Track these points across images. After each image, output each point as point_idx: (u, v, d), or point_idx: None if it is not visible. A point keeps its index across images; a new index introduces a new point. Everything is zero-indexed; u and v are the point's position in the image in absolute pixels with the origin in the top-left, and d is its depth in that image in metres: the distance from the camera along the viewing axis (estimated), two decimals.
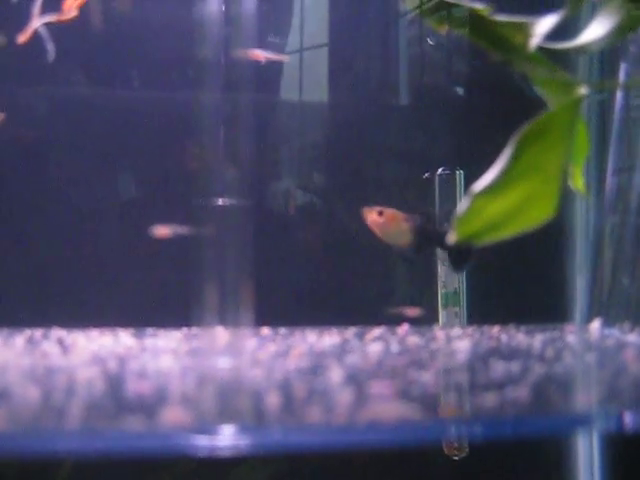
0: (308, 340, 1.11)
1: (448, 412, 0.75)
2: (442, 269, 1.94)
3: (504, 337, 1.11)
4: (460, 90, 1.92)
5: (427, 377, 0.84)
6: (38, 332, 1.19)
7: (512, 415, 0.70)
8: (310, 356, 0.96)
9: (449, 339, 1.09)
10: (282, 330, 1.22)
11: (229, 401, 0.75)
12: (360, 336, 1.13)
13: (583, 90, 1.00)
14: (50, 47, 1.10)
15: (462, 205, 0.96)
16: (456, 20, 1.18)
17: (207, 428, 0.65)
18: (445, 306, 1.90)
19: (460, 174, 1.93)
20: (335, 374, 0.84)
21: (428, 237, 1.57)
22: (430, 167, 1.92)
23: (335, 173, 1.82)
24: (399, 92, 1.87)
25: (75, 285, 1.33)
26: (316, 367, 0.89)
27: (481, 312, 1.83)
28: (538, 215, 0.98)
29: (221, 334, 1.17)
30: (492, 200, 0.95)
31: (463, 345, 1.03)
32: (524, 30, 1.06)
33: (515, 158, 0.95)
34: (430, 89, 1.88)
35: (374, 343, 1.06)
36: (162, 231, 1.36)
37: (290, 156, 1.72)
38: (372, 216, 1.56)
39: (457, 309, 1.90)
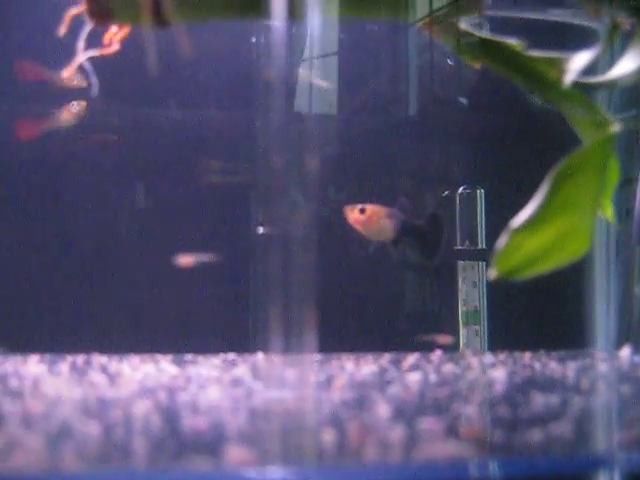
0: (346, 368, 1.14)
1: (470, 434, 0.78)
2: (463, 287, 1.96)
3: (537, 365, 1.14)
4: (464, 101, 1.95)
5: (471, 411, 0.87)
6: (79, 358, 1.22)
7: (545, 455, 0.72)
8: (353, 387, 0.99)
9: (484, 367, 1.12)
10: (317, 356, 1.25)
11: (286, 438, 0.78)
12: (396, 364, 1.16)
13: (616, 127, 1.03)
14: (94, 81, 1.13)
15: (501, 241, 0.98)
16: (440, 17, 1.20)
17: (273, 468, 0.67)
18: (466, 324, 1.92)
19: (481, 193, 1.96)
20: (382, 408, 0.87)
21: (408, 231, 1.61)
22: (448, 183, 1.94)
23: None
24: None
25: (113, 310, 1.36)
26: (362, 400, 0.91)
27: (501, 330, 1.85)
28: (575, 249, 1.00)
29: (259, 361, 1.20)
30: (530, 236, 0.97)
31: (499, 375, 1.05)
32: (558, 65, 1.08)
33: (552, 194, 0.98)
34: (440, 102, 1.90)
35: (412, 372, 1.08)
36: (186, 260, 1.39)
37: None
38: (354, 214, 1.55)
39: (477, 327, 1.92)
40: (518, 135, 1.96)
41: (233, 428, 0.80)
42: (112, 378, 1.05)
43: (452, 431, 0.78)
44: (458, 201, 1.88)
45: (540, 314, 1.93)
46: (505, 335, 1.83)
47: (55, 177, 1.46)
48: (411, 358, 1.21)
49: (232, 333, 1.36)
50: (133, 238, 1.41)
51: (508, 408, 0.87)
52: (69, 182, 1.47)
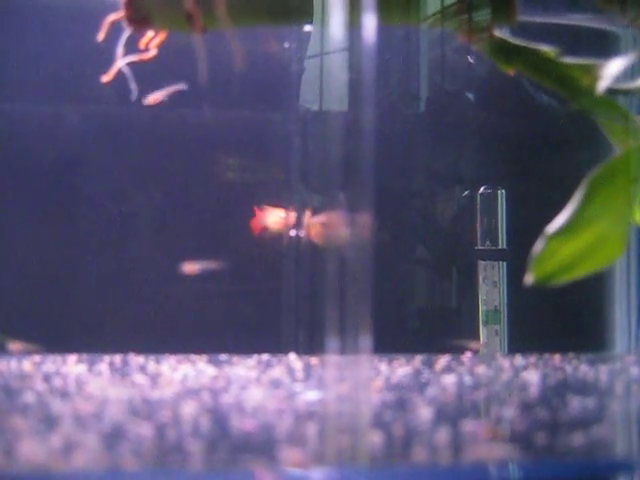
0: (380, 370, 1.16)
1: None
2: (483, 287, 1.98)
3: (568, 368, 1.16)
4: (471, 96, 1.96)
5: (511, 413, 0.89)
6: (116, 358, 1.24)
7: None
8: (390, 389, 1.01)
9: (516, 370, 1.14)
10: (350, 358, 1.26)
11: (335, 440, 0.80)
12: (429, 365, 1.18)
13: None
14: (133, 87, 1.15)
15: (537, 247, 1.00)
16: (477, 25, 1.22)
17: (330, 469, 0.69)
18: (486, 323, 1.94)
19: (502, 193, 1.98)
20: (424, 410, 0.89)
21: None
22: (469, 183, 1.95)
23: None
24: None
25: (147, 311, 1.38)
26: (402, 402, 0.93)
27: (521, 330, 1.87)
28: (609, 255, 1.02)
29: (293, 362, 1.22)
30: (565, 242, 0.99)
31: (533, 377, 1.07)
32: (592, 72, 1.10)
33: (586, 201, 1.00)
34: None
35: (446, 374, 1.10)
36: (191, 267, 1.40)
37: None
38: (316, 229, 1.47)
39: (497, 327, 1.94)
40: (539, 135, 1.97)
41: (281, 429, 0.82)
42: (153, 379, 1.07)
43: (495, 433, 0.80)
44: (479, 201, 1.89)
45: (560, 314, 1.95)
46: (525, 335, 1.84)
47: (83, 177, 1.48)
48: (442, 360, 1.23)
49: (264, 334, 1.38)
50: (165, 237, 1.43)
51: (547, 411, 0.89)
52: (97, 183, 1.49)
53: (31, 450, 0.74)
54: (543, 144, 1.99)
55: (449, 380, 1.06)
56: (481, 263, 1.90)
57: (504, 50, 1.09)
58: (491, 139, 1.98)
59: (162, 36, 1.20)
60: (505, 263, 1.88)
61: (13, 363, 1.19)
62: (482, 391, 1.00)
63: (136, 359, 1.22)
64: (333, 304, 0.80)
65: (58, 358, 1.22)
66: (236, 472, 0.71)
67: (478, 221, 1.91)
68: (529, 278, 0.99)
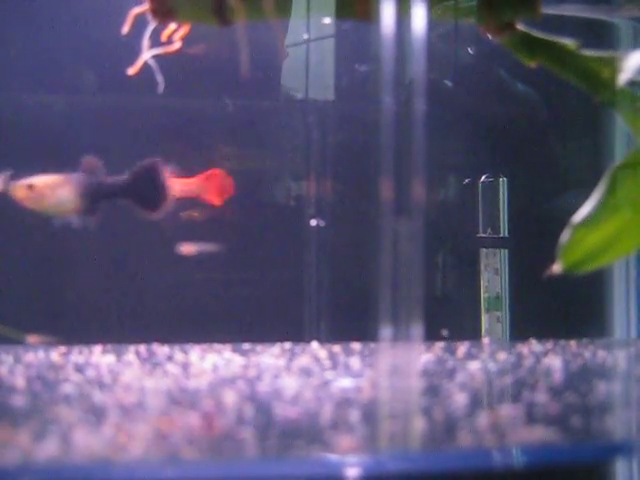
0: (402, 356, 1.18)
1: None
2: (485, 274, 2.01)
3: (587, 353, 1.19)
4: (449, 82, 1.98)
5: (543, 398, 0.91)
6: (141, 348, 1.25)
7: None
8: (420, 375, 1.03)
9: (537, 355, 1.17)
10: (352, 346, 1.29)
11: (379, 426, 0.82)
12: (451, 352, 1.20)
13: None
14: (160, 79, 1.15)
15: (564, 236, 1.03)
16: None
17: (384, 454, 0.71)
18: (487, 310, 1.97)
19: (504, 181, 2.00)
20: (459, 396, 0.91)
21: (104, 194, 1.36)
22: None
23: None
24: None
25: (169, 300, 1.39)
26: (435, 388, 0.96)
27: (523, 317, 1.90)
28: (633, 243, 1.05)
29: (318, 350, 1.24)
30: (591, 231, 1.02)
31: (555, 363, 1.10)
32: (613, 65, 1.12)
33: (610, 191, 1.02)
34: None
35: (470, 361, 1.13)
36: (188, 249, 1.41)
37: None
38: (21, 192, 1.32)
39: (499, 314, 1.97)
40: (540, 123, 2.00)
41: (325, 416, 0.84)
42: (184, 368, 1.09)
43: (532, 417, 0.83)
44: (480, 189, 1.92)
45: (560, 301, 1.98)
46: (526, 322, 1.88)
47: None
48: (462, 347, 1.26)
49: (285, 323, 1.40)
50: (185, 226, 1.44)
51: (576, 395, 0.92)
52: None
53: (87, 441, 0.76)
54: (544, 132, 2.02)
55: (474, 366, 1.09)
56: (483, 251, 1.92)
57: (526, 43, 1.11)
58: (491, 127, 2.00)
59: (186, 29, 1.21)
60: (507, 251, 1.91)
61: (40, 354, 1.20)
62: (509, 377, 1.03)
63: (161, 349, 1.24)
64: (385, 293, 0.82)
65: (84, 349, 1.23)
66: (292, 459, 0.73)
67: (480, 209, 1.93)
68: (557, 267, 1.01)
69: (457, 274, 2.06)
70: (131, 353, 1.20)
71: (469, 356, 1.17)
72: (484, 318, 1.92)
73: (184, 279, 1.43)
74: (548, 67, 1.14)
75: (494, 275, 1.94)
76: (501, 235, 1.92)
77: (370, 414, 0.84)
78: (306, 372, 1.06)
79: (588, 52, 1.13)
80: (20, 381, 1.00)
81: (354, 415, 0.84)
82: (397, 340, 0.83)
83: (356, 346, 1.26)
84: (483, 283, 1.93)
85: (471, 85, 1.92)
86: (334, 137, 1.45)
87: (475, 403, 0.87)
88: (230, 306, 1.41)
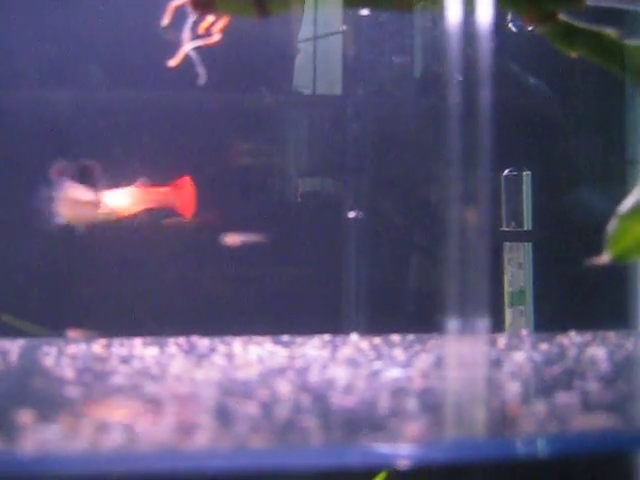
0: (447, 347, 1.18)
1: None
2: (508, 268, 2.01)
3: (629, 344, 1.19)
4: (459, 77, 1.97)
5: (596, 387, 0.92)
6: (180, 340, 1.25)
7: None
8: (467, 366, 1.03)
9: (579, 346, 1.17)
10: (392, 338, 1.29)
11: (438, 414, 0.82)
12: (491, 343, 1.21)
13: None
14: (201, 71, 1.15)
15: (611, 226, 1.03)
16: (543, 9, 1.22)
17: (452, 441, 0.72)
18: (511, 305, 1.98)
19: (527, 175, 2.01)
20: (512, 385, 0.91)
21: None
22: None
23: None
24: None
25: (206, 292, 1.39)
26: (487, 378, 0.96)
27: (547, 312, 1.90)
28: None
29: (359, 342, 1.24)
30: (637, 220, 1.02)
31: (599, 353, 1.10)
32: None
33: None
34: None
35: (514, 352, 1.13)
36: (233, 239, 1.42)
37: None
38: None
39: (523, 308, 1.97)
40: (564, 116, 2.00)
41: (382, 405, 0.84)
42: (229, 360, 1.09)
43: (590, 405, 0.83)
44: (504, 183, 1.92)
45: (584, 294, 1.98)
46: (550, 315, 1.88)
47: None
48: (502, 339, 1.26)
49: (323, 315, 1.40)
50: (225, 220, 1.44)
51: (629, 384, 0.92)
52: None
53: (150, 431, 0.76)
54: (569, 125, 2.02)
55: (520, 357, 1.09)
56: (506, 245, 1.93)
57: (567, 33, 1.11)
58: (516, 121, 2.00)
59: (225, 21, 1.21)
60: (530, 244, 1.91)
61: (82, 347, 1.20)
62: (556, 366, 1.03)
63: (201, 341, 1.24)
64: (452, 285, 0.82)
65: (124, 341, 1.24)
66: (357, 447, 0.73)
67: (503, 203, 1.93)
68: (605, 257, 1.01)
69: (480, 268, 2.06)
70: (172, 345, 1.21)
71: (511, 347, 1.18)
72: (508, 312, 1.93)
73: (222, 272, 1.43)
74: (589, 57, 1.14)
75: (517, 269, 1.94)
76: (525, 229, 1.93)
77: (428, 403, 0.84)
78: (353, 363, 1.06)
79: (632, 42, 1.13)
80: (69, 372, 1.01)
81: (412, 404, 0.84)
82: (463, 333, 0.83)
83: (396, 338, 1.26)
84: (507, 277, 1.93)
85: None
86: (371, 130, 1.46)
87: (530, 392, 0.88)
88: (268, 298, 1.41)
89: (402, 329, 1.29)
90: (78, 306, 1.44)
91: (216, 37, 1.23)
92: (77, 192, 1.31)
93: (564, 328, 1.44)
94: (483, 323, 0.82)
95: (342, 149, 1.45)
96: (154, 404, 0.84)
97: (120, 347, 1.20)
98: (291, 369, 1.02)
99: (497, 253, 1.91)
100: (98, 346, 1.21)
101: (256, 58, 1.40)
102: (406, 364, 1.05)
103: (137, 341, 1.25)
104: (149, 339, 1.26)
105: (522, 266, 1.96)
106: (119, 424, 0.77)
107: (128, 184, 1.39)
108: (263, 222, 1.43)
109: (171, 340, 1.25)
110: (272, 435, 0.75)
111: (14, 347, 1.22)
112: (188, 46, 1.19)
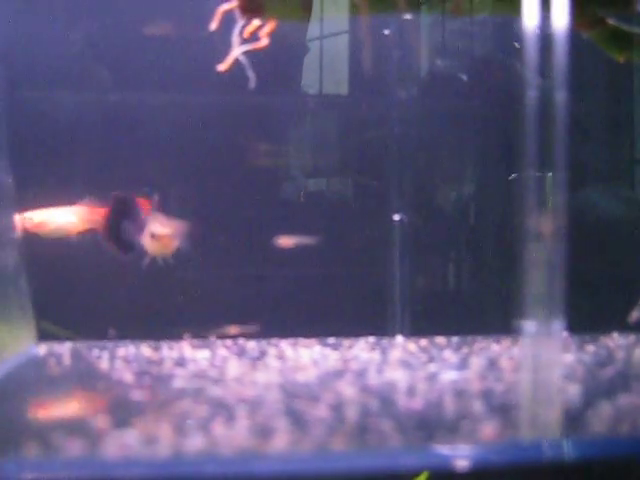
0: (494, 349, 1.19)
1: None
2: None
3: None
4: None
5: None
6: (228, 343, 1.26)
7: None
8: (522, 367, 1.04)
9: (626, 349, 1.18)
10: (437, 339, 1.30)
11: (507, 414, 0.83)
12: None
13: None
14: (251, 75, 1.16)
15: None
16: (593, 14, 1.23)
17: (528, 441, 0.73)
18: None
19: (550, 177, 2.01)
20: (571, 387, 0.92)
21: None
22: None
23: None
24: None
25: (253, 295, 1.39)
26: (543, 380, 0.97)
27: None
28: None
29: (405, 343, 1.25)
30: None
31: None
32: None
33: None
34: None
35: (566, 354, 1.14)
36: (286, 242, 1.43)
37: None
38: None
39: None
40: (585, 117, 2.01)
41: (450, 407, 0.85)
42: (283, 362, 1.10)
43: None
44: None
45: (612, 293, 1.98)
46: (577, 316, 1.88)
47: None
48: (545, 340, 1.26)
49: (367, 317, 1.41)
50: (279, 224, 1.44)
51: None
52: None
53: (228, 435, 0.77)
54: (591, 127, 2.03)
55: (570, 359, 1.10)
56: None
57: (616, 38, 1.12)
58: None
59: (272, 25, 1.21)
60: None
61: (131, 349, 1.21)
62: (610, 368, 1.04)
63: (248, 343, 1.25)
64: (528, 288, 0.83)
65: (172, 344, 1.24)
66: (437, 448, 0.73)
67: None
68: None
69: (504, 268, 2.07)
70: (222, 348, 1.21)
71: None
72: None
73: (269, 274, 1.43)
74: (637, 61, 1.15)
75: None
76: None
77: (495, 404, 0.85)
78: (406, 365, 1.07)
79: None
80: (128, 376, 1.01)
81: (478, 406, 0.85)
82: (539, 334, 0.84)
83: (441, 340, 1.27)
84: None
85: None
86: (418, 133, 1.46)
87: (592, 394, 0.89)
88: (314, 301, 1.41)
89: (446, 331, 1.30)
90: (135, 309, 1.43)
91: (264, 41, 1.24)
92: (161, 225, 1.33)
93: (592, 327, 1.45)
94: (559, 324, 0.83)
95: (393, 151, 1.45)
96: (224, 408, 0.85)
97: (169, 350, 1.21)
98: (348, 371, 1.03)
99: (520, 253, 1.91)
100: (147, 349, 1.22)
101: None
102: (461, 366, 1.06)
103: (185, 343, 1.26)
104: (196, 341, 1.27)
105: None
106: (196, 429, 0.78)
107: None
108: (312, 224, 1.44)
109: (218, 342, 1.26)
110: (350, 438, 0.76)
111: (64, 350, 1.23)
112: (237, 50, 1.20)
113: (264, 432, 0.77)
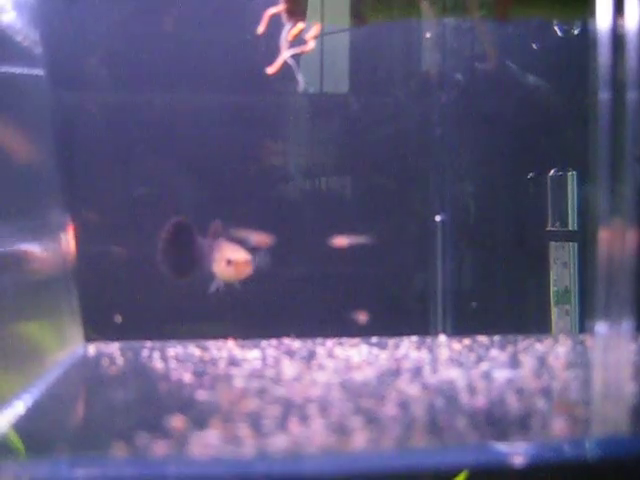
0: (538, 348, 1.21)
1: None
2: (554, 267, 2.04)
3: None
4: (513, 65, 1.99)
5: None
6: (273, 342, 1.27)
7: None
8: (554, 367, 1.06)
9: None
10: (479, 338, 1.32)
11: (573, 412, 0.85)
12: (580, 343, 1.24)
13: None
14: (300, 77, 1.17)
15: None
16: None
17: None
18: (557, 303, 2.00)
19: (573, 175, 2.03)
20: (629, 385, 0.94)
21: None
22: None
23: None
24: None
25: (293, 294, 1.40)
26: (578, 378, 0.99)
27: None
28: None
29: (450, 343, 1.26)
30: None
31: None
32: None
33: None
34: None
35: (592, 353, 1.16)
36: (341, 242, 1.44)
37: None
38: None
39: (568, 307, 2.00)
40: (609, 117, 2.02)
41: (511, 404, 0.87)
42: (335, 361, 1.11)
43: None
44: (549, 183, 1.95)
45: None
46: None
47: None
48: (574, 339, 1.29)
49: (407, 317, 1.42)
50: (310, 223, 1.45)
51: None
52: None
53: (307, 433, 0.78)
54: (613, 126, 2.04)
55: (610, 359, 1.12)
56: (552, 244, 1.95)
57: None
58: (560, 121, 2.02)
59: (318, 29, 1.22)
60: (576, 244, 1.93)
61: (179, 349, 1.22)
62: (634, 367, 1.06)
63: (294, 343, 1.26)
64: (601, 291, 0.85)
65: (219, 343, 1.25)
66: (515, 445, 0.75)
67: (549, 203, 1.96)
68: None
69: (526, 268, 2.09)
70: (270, 348, 1.23)
71: (588, 348, 1.20)
72: (553, 311, 1.96)
73: (309, 275, 1.45)
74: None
75: (563, 268, 1.97)
76: (570, 228, 1.95)
77: (559, 401, 0.87)
78: (459, 364, 1.09)
79: None
80: (187, 376, 1.03)
81: (542, 403, 0.87)
82: (611, 335, 0.86)
83: (484, 339, 1.28)
84: (552, 276, 1.96)
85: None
86: (460, 134, 1.48)
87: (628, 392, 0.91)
88: (355, 300, 1.42)
89: (487, 330, 1.31)
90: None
91: (311, 45, 1.25)
92: (236, 251, 1.30)
93: None
94: (628, 325, 0.85)
95: (437, 152, 1.46)
96: (295, 407, 0.86)
97: (217, 350, 1.22)
98: (404, 370, 1.05)
99: (543, 253, 1.93)
100: (195, 349, 1.23)
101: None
102: (513, 365, 1.08)
103: (230, 343, 1.28)
104: (241, 341, 1.28)
105: (567, 265, 1.99)
106: (274, 428, 0.79)
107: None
108: (357, 224, 1.45)
109: (263, 342, 1.27)
110: (428, 435, 0.78)
111: (112, 349, 1.24)
112: (286, 53, 1.21)
113: (343, 431, 0.79)
